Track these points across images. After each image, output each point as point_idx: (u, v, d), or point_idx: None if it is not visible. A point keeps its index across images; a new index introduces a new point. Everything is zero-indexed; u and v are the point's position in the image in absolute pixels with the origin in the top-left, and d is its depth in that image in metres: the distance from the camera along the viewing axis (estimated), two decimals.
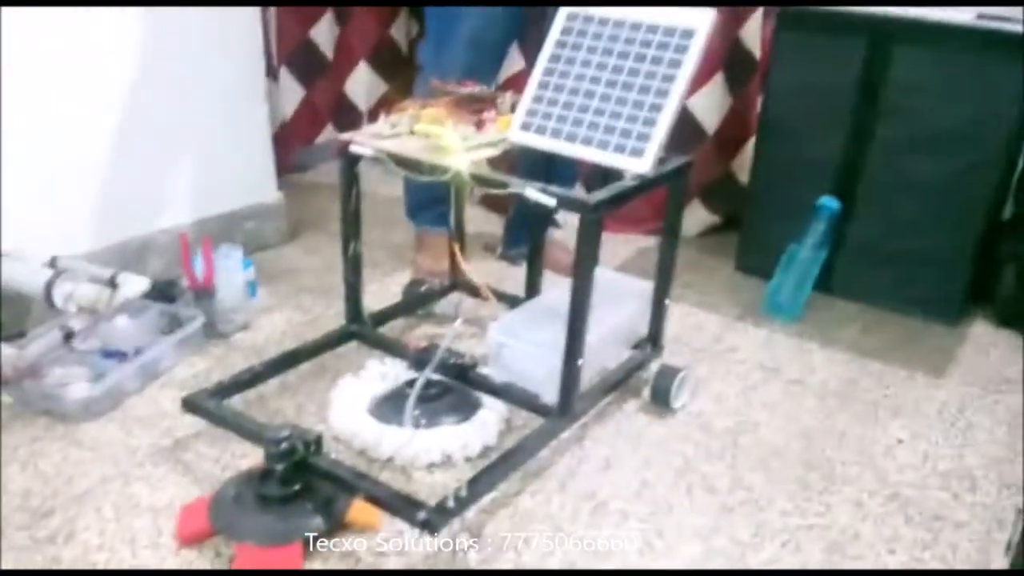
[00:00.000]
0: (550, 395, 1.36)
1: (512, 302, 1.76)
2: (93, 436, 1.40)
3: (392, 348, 1.56)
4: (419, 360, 1.42)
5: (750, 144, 2.17)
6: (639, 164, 1.30)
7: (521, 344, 1.38)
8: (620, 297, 1.54)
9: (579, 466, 1.37)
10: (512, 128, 1.42)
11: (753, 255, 2.12)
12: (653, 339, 1.57)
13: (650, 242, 2.29)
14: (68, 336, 1.48)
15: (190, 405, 1.35)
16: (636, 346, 1.58)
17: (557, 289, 1.56)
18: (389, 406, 1.41)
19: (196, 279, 1.73)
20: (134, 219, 1.85)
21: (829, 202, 1.92)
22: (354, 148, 1.41)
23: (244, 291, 1.79)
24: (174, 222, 1.91)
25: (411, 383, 1.40)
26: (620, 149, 1.33)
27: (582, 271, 1.25)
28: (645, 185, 1.32)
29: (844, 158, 1.93)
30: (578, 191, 1.99)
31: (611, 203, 1.24)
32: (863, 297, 1.98)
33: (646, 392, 1.55)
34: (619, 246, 2.25)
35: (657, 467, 1.38)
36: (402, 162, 1.36)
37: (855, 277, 1.97)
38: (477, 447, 1.37)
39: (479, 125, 1.44)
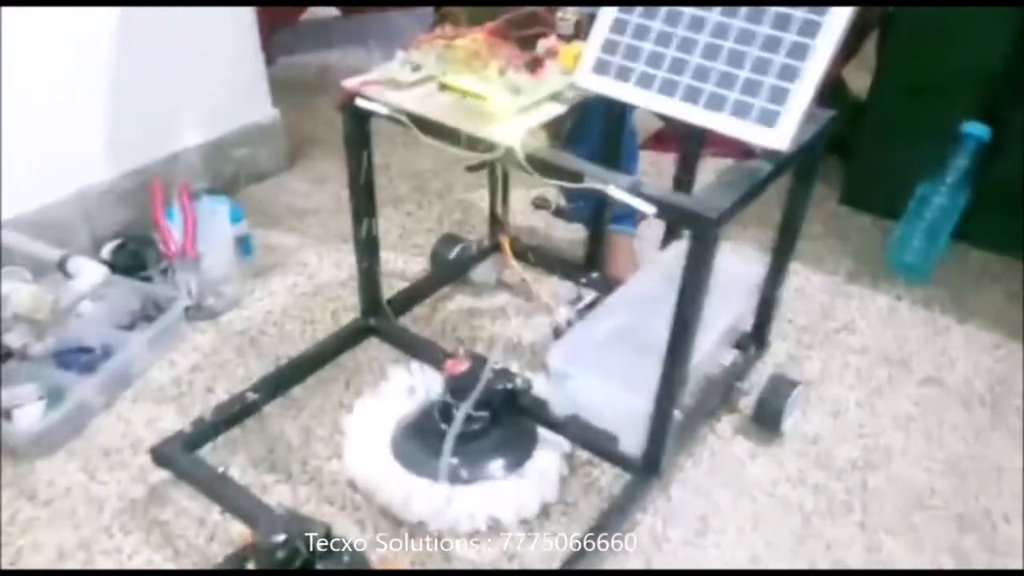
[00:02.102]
0: (630, 442, 1.04)
1: (567, 270, 1.39)
2: (49, 480, 1.10)
3: (420, 350, 1.22)
4: (456, 388, 1.08)
5: (870, 43, 1.70)
6: (771, 136, 0.90)
7: (592, 379, 1.04)
8: (725, 287, 1.16)
9: (667, 530, 1.06)
10: (581, 69, 1.00)
11: (865, 187, 1.70)
12: (759, 336, 1.22)
13: (727, 161, 1.87)
14: (6, 356, 1.15)
15: (162, 458, 1.04)
16: (736, 344, 1.23)
17: (639, 283, 1.19)
18: (419, 443, 1.09)
19: (173, 245, 1.38)
20: (91, 160, 1.47)
21: (976, 129, 1.48)
22: (362, 104, 1.01)
23: (235, 254, 1.44)
24: (143, 159, 1.53)
25: (445, 410, 1.08)
26: (742, 111, 0.91)
27: (688, 304, 0.88)
28: (780, 169, 0.92)
29: (1004, 69, 1.47)
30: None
31: (736, 209, 0.85)
32: (1007, 247, 1.58)
33: (745, 403, 1.21)
34: None
35: (768, 528, 1.07)
36: (428, 128, 0.97)
37: (998, 222, 1.56)
38: (534, 506, 1.06)
39: (534, 66, 1.03)
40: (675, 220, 0.84)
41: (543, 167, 0.90)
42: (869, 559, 1.03)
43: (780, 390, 1.16)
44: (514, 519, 1.04)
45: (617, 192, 0.86)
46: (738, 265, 1.21)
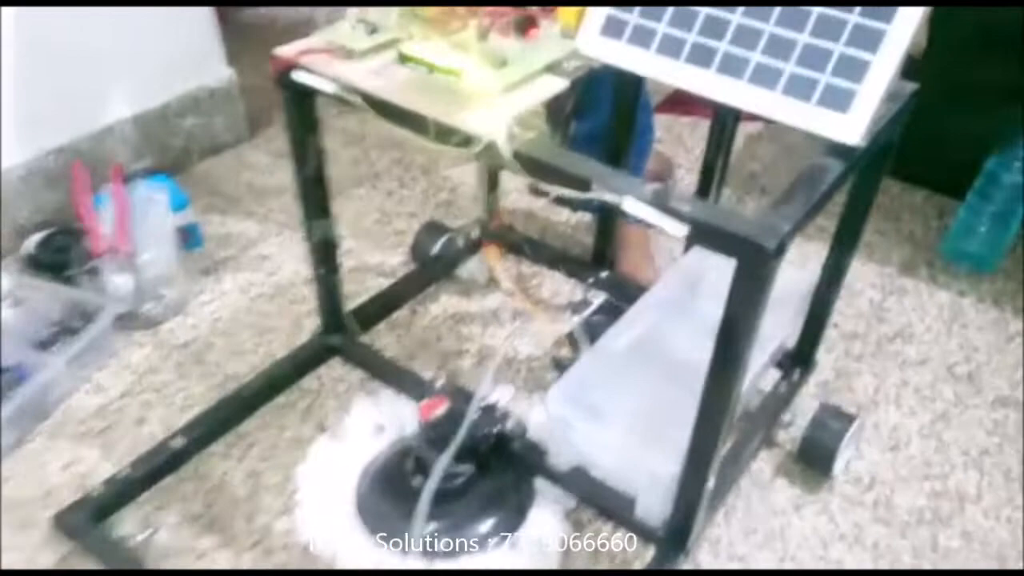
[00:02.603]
0: (651, 503, 0.83)
1: (572, 267, 1.17)
2: None
3: (390, 375, 1.01)
4: (432, 436, 0.87)
5: None
6: (841, 125, 0.67)
7: (603, 430, 0.82)
8: (772, 301, 0.94)
9: None
10: (586, 31, 0.77)
11: (920, 158, 1.44)
12: (805, 355, 1.00)
13: (757, 126, 1.63)
14: None
15: (67, 528, 0.84)
16: (778, 363, 1.01)
17: (659, 296, 0.96)
18: (388, 501, 0.89)
19: (102, 239, 1.16)
20: (5, 138, 1.23)
21: None
22: (301, 78, 0.78)
23: (177, 248, 1.22)
24: (68, 135, 1.29)
25: (420, 462, 0.88)
26: (801, 90, 0.69)
27: (730, 348, 0.66)
28: (852, 168, 0.69)
29: None
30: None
31: (797, 231, 0.63)
32: None
33: (786, 436, 1.00)
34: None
35: None
36: (388, 111, 0.74)
37: None
38: None
39: (525, 26, 0.79)
40: (718, 246, 0.61)
41: (537, 169, 0.67)
42: None
43: (831, 426, 0.95)
44: None
45: (636, 207, 0.63)
46: (785, 271, 0.98)
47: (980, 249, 1.28)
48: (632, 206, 0.63)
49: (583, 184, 0.65)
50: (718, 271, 0.97)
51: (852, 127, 0.67)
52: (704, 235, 0.61)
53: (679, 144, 1.56)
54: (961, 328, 1.20)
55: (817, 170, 0.67)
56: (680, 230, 0.62)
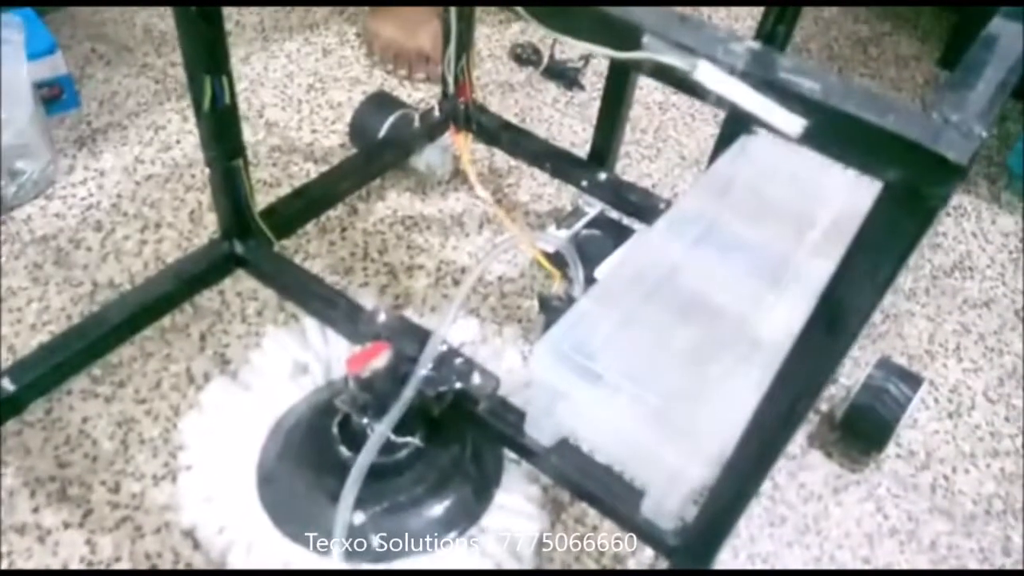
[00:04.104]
0: (663, 507, 0.60)
1: (560, 164, 0.91)
2: None
3: (314, 296, 0.75)
4: (366, 401, 0.62)
5: None
6: None
7: (602, 400, 0.58)
8: (835, 220, 0.70)
9: None
10: None
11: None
12: None
13: None
14: None
15: None
16: None
17: (683, 216, 0.71)
18: (306, 476, 0.65)
19: None
20: None
21: None
22: None
23: (39, 109, 0.92)
24: None
25: (351, 429, 0.64)
26: None
27: (843, 316, 0.42)
28: None
29: None
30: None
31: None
32: None
33: (828, 401, 0.78)
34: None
35: None
36: None
37: None
38: None
39: None
40: (857, 157, 0.36)
41: (552, 6, 0.40)
42: None
43: (891, 392, 0.73)
44: None
45: (717, 79, 0.37)
46: (822, 172, 0.73)
47: None
48: (711, 77, 0.37)
49: (629, 36, 0.38)
50: (749, 186, 0.73)
51: None
52: (836, 136, 0.36)
53: None
54: None
55: (998, 39, 0.42)
56: (793, 125, 0.36)
